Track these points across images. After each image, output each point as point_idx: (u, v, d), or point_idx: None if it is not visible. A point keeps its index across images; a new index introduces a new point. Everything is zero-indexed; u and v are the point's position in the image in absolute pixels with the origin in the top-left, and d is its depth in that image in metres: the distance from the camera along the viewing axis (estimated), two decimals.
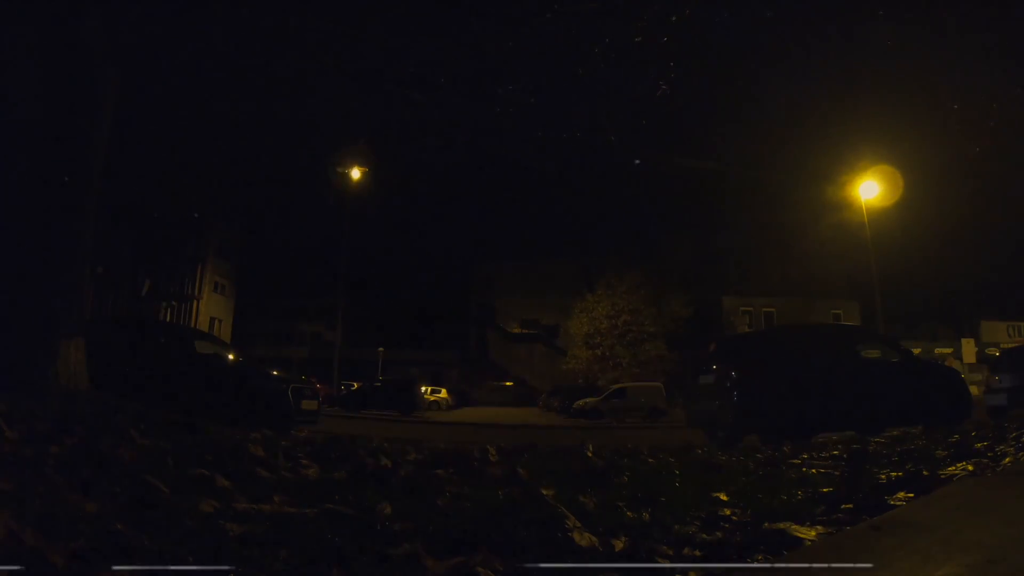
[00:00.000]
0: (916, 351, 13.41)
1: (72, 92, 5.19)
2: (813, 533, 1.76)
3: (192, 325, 34.04)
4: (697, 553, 1.63)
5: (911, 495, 2.28)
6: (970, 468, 2.92)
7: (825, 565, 1.43)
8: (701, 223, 40.37)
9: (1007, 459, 3.23)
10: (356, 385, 28.50)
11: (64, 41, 5.18)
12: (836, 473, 3.13)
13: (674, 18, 6.42)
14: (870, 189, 19.51)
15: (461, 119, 7.24)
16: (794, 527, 1.80)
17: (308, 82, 7.00)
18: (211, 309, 40.43)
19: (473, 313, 52.40)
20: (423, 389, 29.18)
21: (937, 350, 35.92)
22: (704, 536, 1.80)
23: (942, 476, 2.72)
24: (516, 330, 50.01)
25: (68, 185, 5.13)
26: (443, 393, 34.22)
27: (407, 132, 7.55)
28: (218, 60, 6.47)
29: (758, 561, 1.58)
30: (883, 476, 2.84)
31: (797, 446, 5.10)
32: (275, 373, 9.36)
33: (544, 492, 2.22)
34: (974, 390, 11.94)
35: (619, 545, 1.64)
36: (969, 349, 31.48)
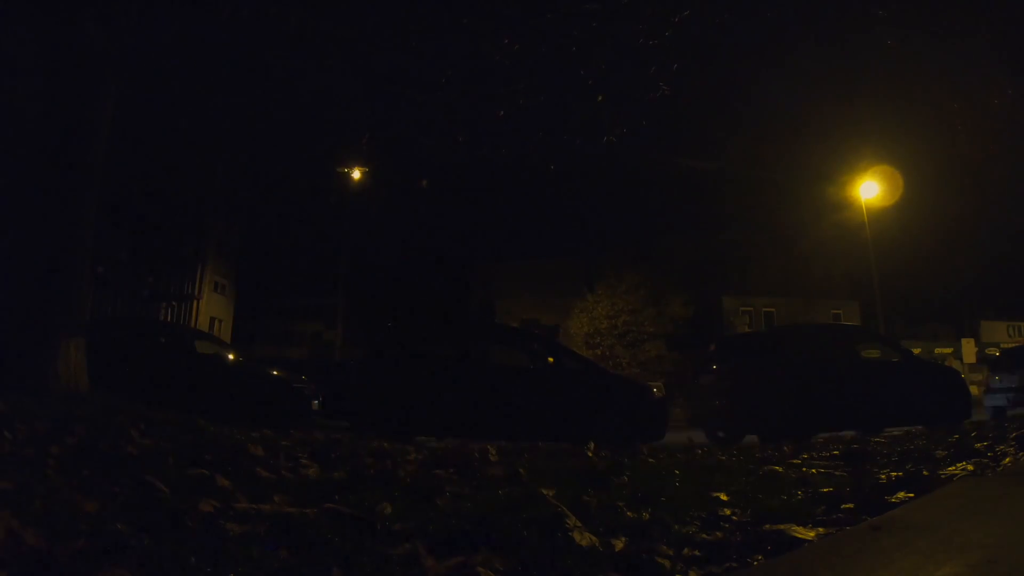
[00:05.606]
0: (916, 351, 13.40)
1: (72, 93, 5.19)
2: (813, 534, 1.76)
3: (192, 325, 33.97)
4: (697, 553, 1.63)
5: (911, 495, 2.28)
6: (970, 468, 2.92)
7: (825, 565, 1.43)
8: (701, 223, 40.23)
9: (1007, 459, 3.23)
10: None
11: (63, 43, 5.18)
12: (836, 473, 3.13)
13: (675, 19, 6.43)
14: (870, 189, 19.54)
15: (462, 119, 7.24)
16: (794, 527, 1.79)
17: (309, 81, 7.00)
18: (211, 309, 40.34)
19: (473, 313, 52.33)
20: None
21: (937, 350, 35.84)
22: (704, 536, 1.80)
23: (942, 476, 2.72)
24: None
25: (68, 184, 5.13)
26: None
27: (407, 132, 7.55)
28: (218, 60, 6.48)
29: (758, 561, 1.58)
30: (883, 476, 2.84)
31: (797, 446, 5.10)
32: (275, 373, 9.35)
33: (544, 492, 2.21)
34: (974, 390, 11.95)
35: (619, 545, 1.64)
36: (969, 349, 31.44)
